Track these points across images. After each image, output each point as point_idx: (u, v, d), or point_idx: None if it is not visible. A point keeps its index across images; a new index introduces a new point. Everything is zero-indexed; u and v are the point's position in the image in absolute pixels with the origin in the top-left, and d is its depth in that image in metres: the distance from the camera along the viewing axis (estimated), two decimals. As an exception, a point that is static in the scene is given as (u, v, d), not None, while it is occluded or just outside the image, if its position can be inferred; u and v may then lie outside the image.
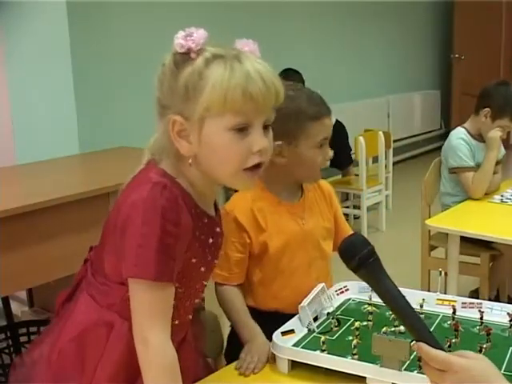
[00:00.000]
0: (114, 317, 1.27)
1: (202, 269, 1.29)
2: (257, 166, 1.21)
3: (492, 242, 2.87)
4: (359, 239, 1.13)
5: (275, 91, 1.19)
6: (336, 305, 1.67)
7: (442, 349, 1.04)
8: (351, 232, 1.85)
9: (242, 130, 1.17)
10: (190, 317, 1.35)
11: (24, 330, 2.80)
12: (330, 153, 1.70)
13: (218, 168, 1.21)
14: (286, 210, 1.71)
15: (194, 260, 1.25)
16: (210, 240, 1.29)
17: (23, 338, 2.80)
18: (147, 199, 1.17)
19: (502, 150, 3.26)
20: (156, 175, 1.22)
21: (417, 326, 1.07)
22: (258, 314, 1.64)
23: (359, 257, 1.08)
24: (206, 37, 1.18)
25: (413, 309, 1.09)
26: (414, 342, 1.07)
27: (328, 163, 1.78)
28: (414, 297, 1.63)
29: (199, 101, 1.15)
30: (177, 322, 1.28)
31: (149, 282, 1.16)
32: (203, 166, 1.22)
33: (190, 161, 1.21)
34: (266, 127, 1.21)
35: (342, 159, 5.17)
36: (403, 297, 1.09)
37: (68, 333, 1.30)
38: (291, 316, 1.57)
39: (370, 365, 1.35)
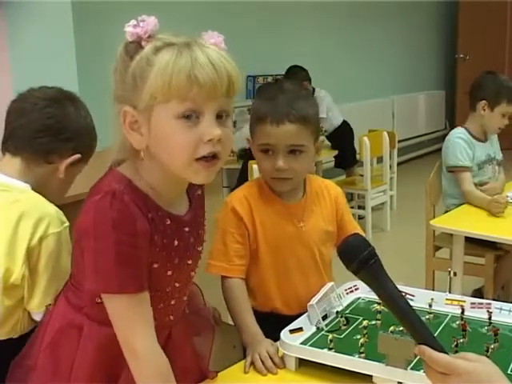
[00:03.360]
0: (83, 319, 1.25)
1: (169, 272, 1.23)
2: (213, 157, 1.15)
3: (496, 243, 2.87)
4: (359, 240, 1.11)
5: (227, 78, 1.12)
6: (345, 303, 1.66)
7: (444, 351, 1.03)
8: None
9: (190, 117, 1.11)
10: (172, 317, 1.31)
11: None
12: (280, 163, 1.60)
13: (168, 159, 1.15)
14: (284, 210, 1.69)
15: (155, 265, 1.20)
16: (176, 242, 1.23)
17: (28, 338, 2.80)
18: (97, 212, 1.14)
19: (499, 154, 3.27)
20: (110, 182, 1.18)
21: (418, 328, 1.06)
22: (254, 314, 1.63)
23: (359, 259, 1.07)
24: (156, 24, 1.14)
25: (414, 311, 1.08)
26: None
27: (283, 174, 1.63)
28: (423, 296, 1.64)
29: (145, 88, 1.11)
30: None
31: (117, 295, 1.15)
32: (156, 158, 1.16)
33: (143, 154, 1.16)
34: (221, 116, 1.15)
35: (347, 159, 5.17)
36: (405, 299, 1.08)
37: (47, 336, 1.30)
38: (286, 317, 1.57)
39: (376, 363, 1.34)
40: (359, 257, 1.07)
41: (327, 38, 6.22)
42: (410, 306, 1.08)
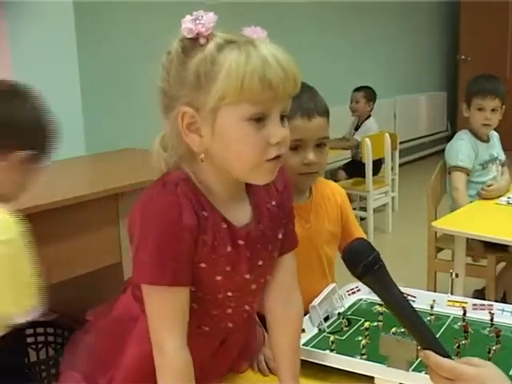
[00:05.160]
0: (139, 311, 1.23)
1: (218, 278, 1.18)
2: (276, 158, 1.12)
3: (498, 244, 2.87)
4: (364, 245, 1.10)
5: (293, 77, 1.09)
6: (347, 305, 1.66)
7: (449, 357, 1.03)
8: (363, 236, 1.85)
9: (259, 120, 1.07)
10: (231, 325, 1.28)
11: (31, 331, 2.81)
12: (310, 156, 1.59)
13: (233, 162, 1.11)
14: None
15: (202, 265, 1.16)
16: (229, 248, 1.17)
17: (30, 339, 2.80)
18: (145, 201, 1.13)
19: (502, 155, 3.28)
20: (170, 174, 1.15)
21: (423, 333, 1.06)
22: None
23: (364, 264, 1.06)
24: (215, 20, 1.09)
25: (419, 317, 1.07)
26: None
27: (312, 168, 1.62)
28: (425, 298, 1.64)
29: (212, 89, 1.05)
30: (207, 329, 1.25)
31: (151, 286, 1.13)
32: (217, 160, 1.12)
33: (202, 156, 1.12)
34: (282, 117, 1.11)
35: (354, 174, 5.16)
36: (409, 304, 1.08)
37: (106, 319, 1.33)
38: None
39: (378, 365, 1.34)
40: (364, 262, 1.06)
41: (328, 39, 6.22)
42: (415, 312, 1.07)
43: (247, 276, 1.22)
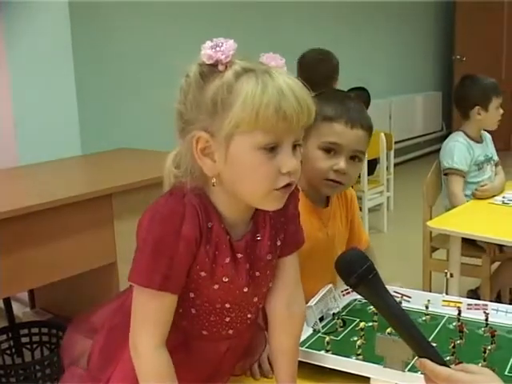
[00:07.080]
0: None
1: (216, 286, 1.19)
2: (287, 186, 1.13)
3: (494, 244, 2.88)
4: (357, 255, 1.11)
5: (307, 109, 1.10)
6: (342, 305, 1.66)
7: (445, 364, 1.03)
8: (364, 240, 1.85)
9: (271, 149, 1.09)
10: (231, 331, 1.28)
11: (25, 331, 2.80)
12: (342, 164, 1.58)
13: (244, 188, 1.13)
14: (316, 216, 1.68)
15: (203, 274, 1.18)
16: (227, 260, 1.19)
17: (25, 339, 2.80)
18: (154, 206, 1.16)
19: (495, 155, 3.30)
20: (180, 185, 1.17)
21: (419, 341, 1.06)
22: None
23: (358, 274, 1.06)
24: (235, 48, 1.10)
25: (414, 324, 1.07)
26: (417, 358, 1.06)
27: (340, 178, 1.61)
28: (420, 298, 1.64)
29: (228, 116, 1.07)
30: (205, 333, 1.25)
31: (140, 287, 1.15)
32: (228, 186, 1.14)
33: (214, 180, 1.14)
34: (294, 147, 1.13)
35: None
36: (404, 312, 1.07)
37: (116, 314, 1.35)
38: None
39: (374, 365, 1.34)
40: (357, 272, 1.06)
41: (324, 39, 6.21)
42: (411, 320, 1.07)
43: (245, 289, 1.23)
